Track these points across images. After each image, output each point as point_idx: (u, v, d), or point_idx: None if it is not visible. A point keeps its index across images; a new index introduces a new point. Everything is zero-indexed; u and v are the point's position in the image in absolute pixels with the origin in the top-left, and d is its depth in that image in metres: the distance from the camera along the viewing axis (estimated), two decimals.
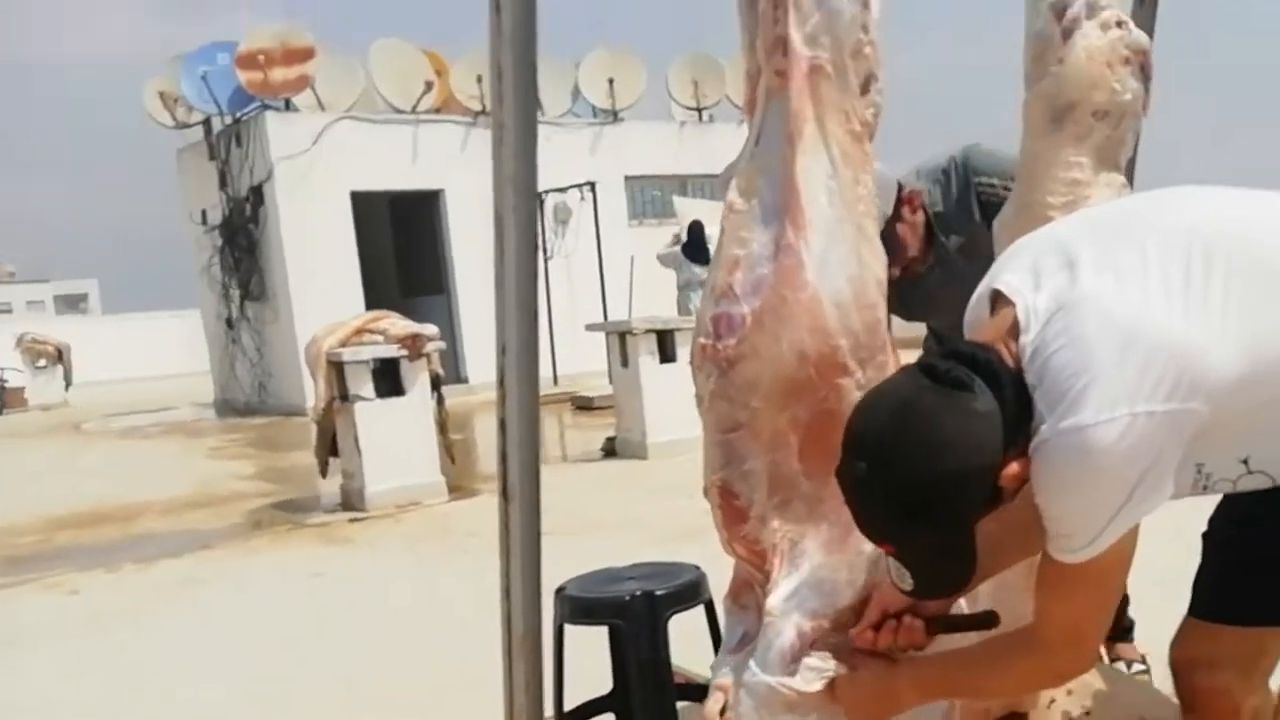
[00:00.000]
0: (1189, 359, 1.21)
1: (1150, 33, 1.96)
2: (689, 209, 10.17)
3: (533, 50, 1.46)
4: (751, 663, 1.52)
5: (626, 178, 14.09)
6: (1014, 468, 1.26)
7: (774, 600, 1.51)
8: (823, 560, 1.51)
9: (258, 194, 12.58)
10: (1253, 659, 1.52)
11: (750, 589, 1.61)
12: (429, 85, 12.99)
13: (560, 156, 12.74)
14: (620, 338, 7.30)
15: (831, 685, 1.48)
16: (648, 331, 7.15)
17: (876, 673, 1.48)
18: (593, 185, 12.65)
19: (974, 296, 1.44)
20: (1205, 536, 1.55)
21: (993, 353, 1.30)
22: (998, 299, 1.37)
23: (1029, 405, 1.27)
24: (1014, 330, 1.30)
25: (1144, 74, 1.78)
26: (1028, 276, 1.33)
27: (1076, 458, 1.22)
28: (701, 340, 1.52)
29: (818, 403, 1.49)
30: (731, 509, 1.56)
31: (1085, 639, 1.37)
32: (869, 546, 1.47)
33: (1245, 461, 1.31)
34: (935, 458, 1.24)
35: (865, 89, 1.47)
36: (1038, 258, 1.35)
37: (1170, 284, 1.25)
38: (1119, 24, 1.75)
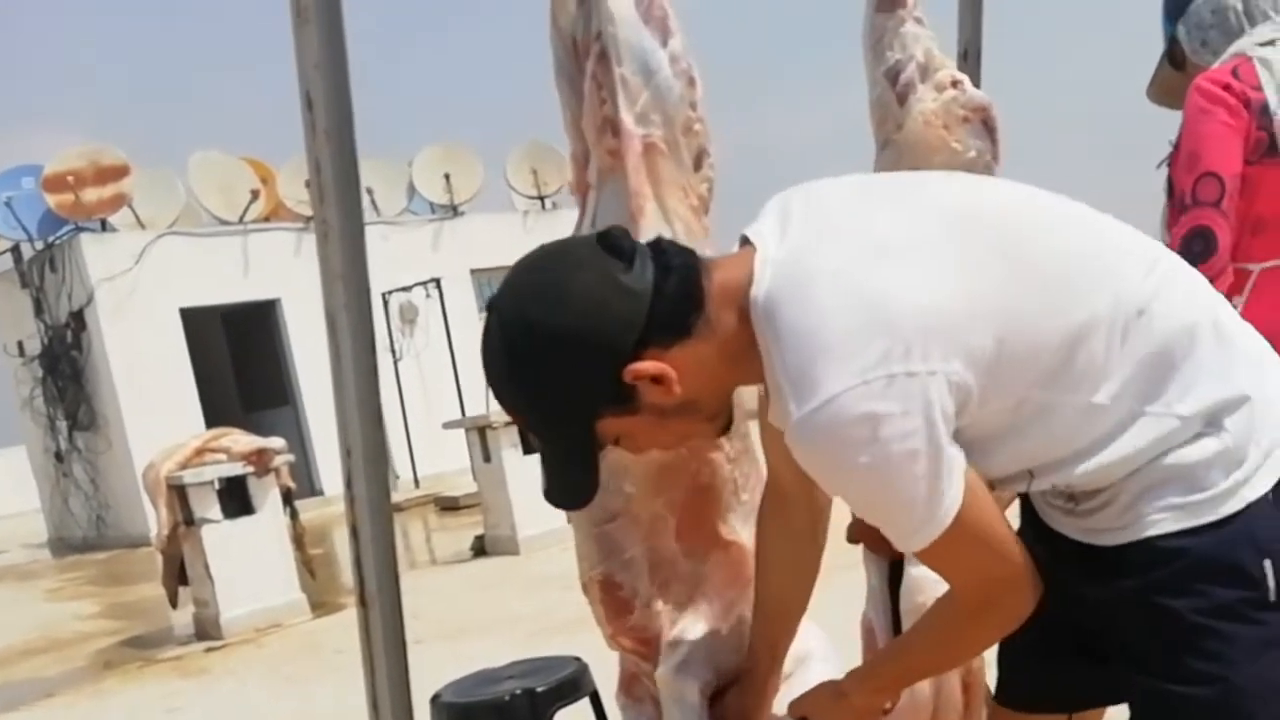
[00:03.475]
0: (943, 323, 1.13)
1: (977, 87, 1.97)
2: None
3: (351, 143, 1.44)
4: None
5: (473, 271, 14.04)
6: (646, 366, 1.17)
7: (665, 670, 1.47)
8: (708, 635, 1.49)
9: (78, 319, 11.98)
10: None
11: (639, 680, 1.58)
12: (255, 194, 12.71)
13: (401, 255, 12.60)
14: (480, 432, 7.19)
15: None
16: (508, 424, 7.03)
17: (822, 692, 1.41)
18: (438, 281, 12.55)
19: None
20: None
21: (690, 256, 1.23)
22: (744, 242, 1.28)
23: (692, 310, 1.19)
24: (746, 280, 1.20)
25: (988, 129, 1.79)
26: (776, 226, 1.24)
27: (826, 435, 1.12)
28: None
29: (690, 479, 1.48)
30: (615, 601, 1.53)
31: (1006, 578, 1.23)
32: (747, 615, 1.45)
33: (1031, 472, 1.25)
34: (550, 308, 1.17)
35: (698, 165, 1.49)
36: (790, 208, 1.26)
37: (930, 253, 1.17)
38: (954, 84, 1.76)
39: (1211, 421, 1.19)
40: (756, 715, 1.51)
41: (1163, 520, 1.19)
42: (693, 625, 1.51)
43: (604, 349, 1.17)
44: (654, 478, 1.48)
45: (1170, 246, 2.21)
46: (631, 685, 1.62)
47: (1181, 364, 1.19)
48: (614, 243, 1.21)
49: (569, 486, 1.31)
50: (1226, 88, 2.21)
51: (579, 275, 1.19)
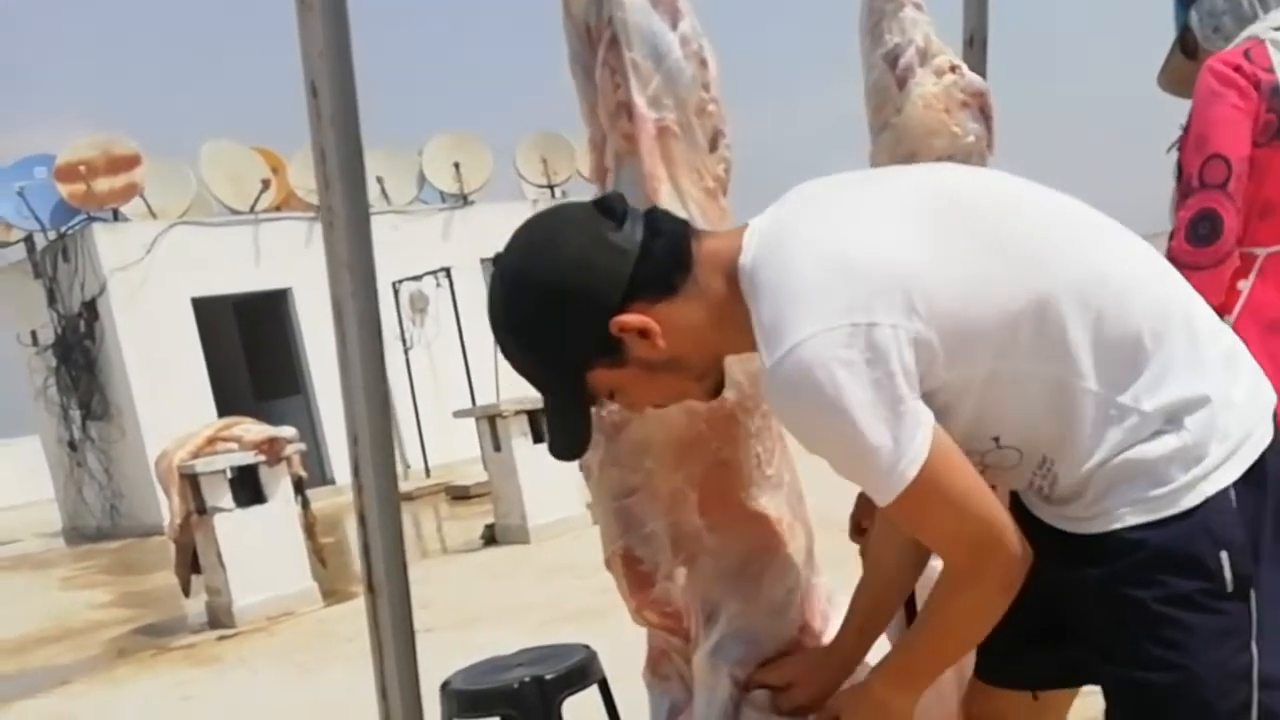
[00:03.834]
0: (908, 282, 1.17)
1: (983, 75, 2.01)
2: None
3: (356, 130, 1.44)
4: None
5: (483, 260, 14.03)
6: (631, 319, 1.24)
7: (700, 657, 1.49)
8: (739, 609, 1.50)
9: (91, 309, 12.03)
10: (1038, 711, 1.56)
11: (668, 658, 1.58)
12: (265, 184, 12.73)
13: (412, 245, 12.62)
14: (490, 421, 7.18)
15: None
16: (518, 412, 7.05)
17: (855, 697, 1.43)
18: (448, 271, 12.56)
19: None
20: None
21: (682, 224, 1.32)
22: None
23: (678, 270, 1.26)
24: (736, 249, 1.27)
25: (984, 115, 1.80)
26: (772, 208, 1.33)
27: (792, 381, 1.16)
28: None
29: (712, 455, 1.49)
30: (637, 575, 1.54)
31: (984, 542, 1.24)
32: (781, 590, 1.45)
33: (996, 439, 1.27)
34: (544, 261, 1.26)
35: (714, 146, 1.49)
36: (789, 196, 1.34)
37: (900, 219, 1.22)
38: (953, 69, 1.77)
39: (1171, 419, 1.22)
40: (828, 690, 1.51)
41: (1126, 513, 1.23)
42: (724, 601, 1.51)
43: (591, 300, 1.24)
44: (674, 453, 1.49)
45: (1176, 229, 2.19)
46: (659, 663, 1.63)
47: (1152, 357, 1.22)
48: (608, 205, 1.28)
49: (567, 436, 1.38)
50: (1238, 69, 2.20)
51: (570, 232, 1.28)
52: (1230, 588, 1.22)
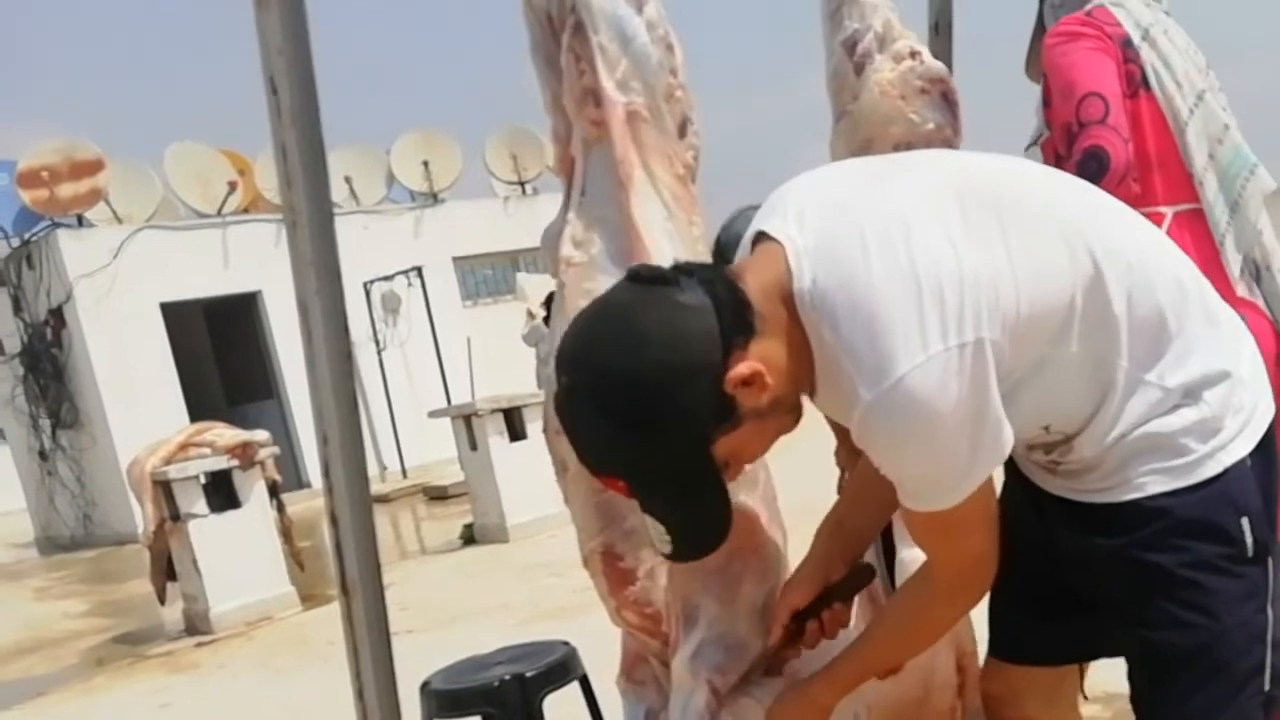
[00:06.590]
0: (979, 290, 1.17)
1: (949, 63, 1.99)
2: (533, 284, 10.13)
3: (317, 126, 1.42)
4: None
5: (455, 259, 13.96)
6: (742, 370, 1.17)
7: (679, 662, 1.45)
8: (718, 613, 1.47)
9: (58, 316, 11.88)
10: (1054, 686, 1.58)
11: (644, 662, 1.55)
12: (232, 186, 12.62)
13: (382, 244, 12.53)
14: (466, 421, 7.14)
15: None
16: (494, 411, 7.01)
17: (793, 697, 1.43)
18: (419, 270, 12.49)
19: (741, 243, 1.37)
20: None
21: (717, 267, 1.26)
22: (761, 240, 1.29)
23: (748, 308, 1.19)
24: (784, 274, 1.22)
25: (948, 102, 1.77)
26: (793, 219, 1.25)
27: (902, 411, 1.15)
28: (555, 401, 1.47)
29: None
30: (616, 572, 1.51)
31: (985, 561, 1.31)
32: (762, 592, 1.43)
33: (1047, 427, 1.30)
34: (636, 353, 1.15)
35: (682, 132, 1.47)
36: (802, 200, 1.28)
37: (948, 223, 1.21)
38: (912, 55, 1.74)
39: (1190, 393, 1.27)
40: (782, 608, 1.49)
41: (1147, 483, 1.27)
42: (703, 606, 1.49)
43: (701, 367, 1.16)
44: None
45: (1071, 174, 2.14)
46: (634, 668, 1.60)
47: (1176, 337, 1.26)
48: (651, 274, 1.21)
49: (709, 525, 1.29)
50: (1083, 23, 2.20)
51: (643, 312, 1.18)
52: (1250, 552, 1.26)
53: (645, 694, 1.55)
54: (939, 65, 1.80)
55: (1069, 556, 1.37)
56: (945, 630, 1.43)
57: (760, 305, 1.21)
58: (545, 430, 1.52)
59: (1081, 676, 1.61)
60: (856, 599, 1.51)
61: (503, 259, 14.21)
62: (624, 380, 1.16)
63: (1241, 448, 1.27)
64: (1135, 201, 2.11)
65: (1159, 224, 2.15)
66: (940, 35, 2.18)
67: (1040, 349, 1.23)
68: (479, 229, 14.11)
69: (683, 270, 1.23)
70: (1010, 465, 1.43)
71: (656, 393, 1.16)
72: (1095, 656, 1.58)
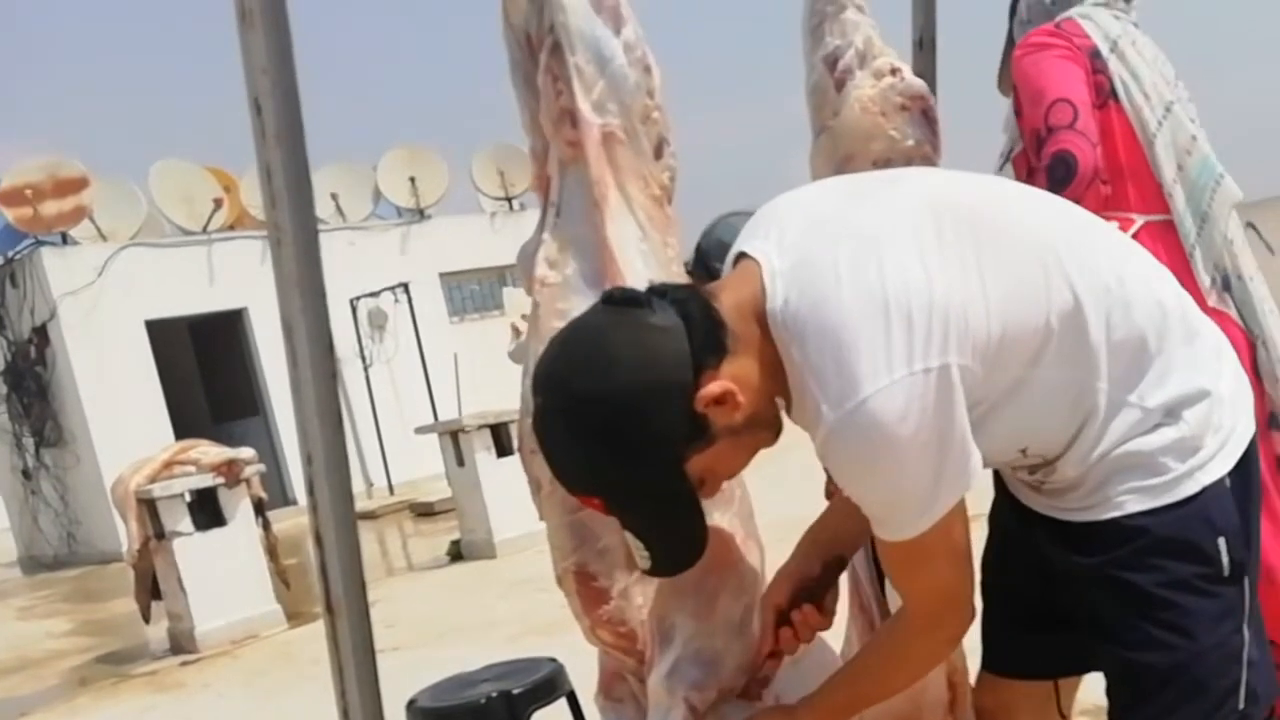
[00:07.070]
0: (949, 314, 1.17)
1: (932, 78, 2.00)
2: (520, 300, 10.12)
3: (302, 146, 1.42)
4: None
5: (442, 275, 13.95)
6: (713, 389, 1.18)
7: (655, 680, 1.45)
8: (695, 629, 1.46)
9: (42, 334, 11.82)
10: (1046, 700, 1.58)
11: (621, 679, 1.55)
12: (218, 203, 12.59)
13: (369, 260, 12.51)
14: (453, 436, 7.13)
15: None
16: (480, 427, 7.00)
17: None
18: (405, 286, 12.48)
19: (725, 261, 1.38)
20: (982, 587, 1.56)
21: (691, 287, 1.27)
22: (741, 260, 1.30)
23: (721, 328, 1.20)
24: (759, 294, 1.23)
25: (928, 119, 1.78)
26: (774, 238, 1.27)
27: (864, 433, 1.16)
28: (530, 421, 1.48)
29: None
30: (590, 592, 1.51)
31: (957, 598, 1.31)
32: (739, 607, 1.44)
33: (1024, 450, 1.31)
34: (606, 374, 1.17)
35: (659, 153, 1.48)
36: (784, 220, 1.29)
37: (923, 243, 1.21)
38: (894, 71, 1.75)
39: (1170, 413, 1.26)
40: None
41: (1126, 501, 1.27)
42: (679, 619, 1.49)
43: (671, 387, 1.18)
44: None
45: (1043, 185, 2.16)
46: (612, 685, 1.60)
47: (1156, 356, 1.26)
48: (624, 296, 1.23)
49: (684, 542, 1.30)
50: (1052, 34, 2.24)
51: (614, 334, 1.20)
52: (1227, 572, 1.27)
53: (624, 711, 1.55)
54: (919, 82, 1.81)
55: (1053, 573, 1.37)
56: (925, 670, 1.42)
57: (735, 324, 1.22)
58: (520, 449, 1.52)
59: (1061, 694, 1.60)
60: (846, 611, 1.51)
61: (490, 275, 14.20)
62: (595, 401, 1.17)
63: (1219, 467, 1.27)
64: (1105, 204, 2.14)
65: (1128, 229, 2.17)
66: (924, 51, 2.18)
67: (1016, 371, 1.23)
68: (466, 245, 14.10)
69: (656, 292, 1.24)
70: (999, 482, 1.44)
71: (627, 413, 1.17)
72: (1085, 671, 1.57)
